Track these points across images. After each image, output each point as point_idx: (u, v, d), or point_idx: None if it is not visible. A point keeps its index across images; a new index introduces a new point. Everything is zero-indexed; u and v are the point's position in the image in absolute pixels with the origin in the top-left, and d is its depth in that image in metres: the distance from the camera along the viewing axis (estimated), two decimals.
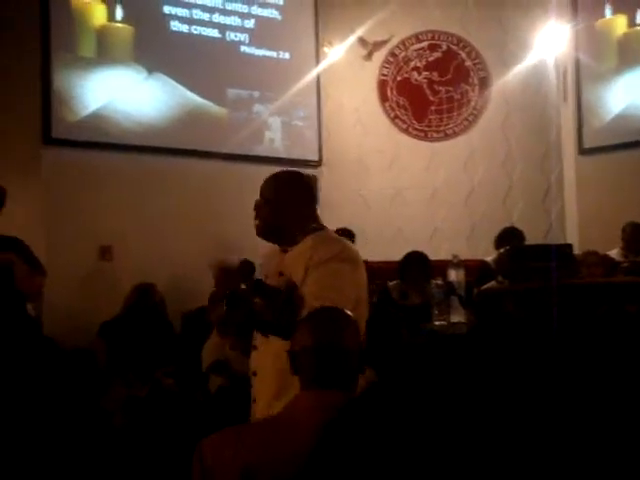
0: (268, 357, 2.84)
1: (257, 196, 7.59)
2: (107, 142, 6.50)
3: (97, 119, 6.49)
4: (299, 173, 3.17)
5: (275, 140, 7.61)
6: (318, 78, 7.98)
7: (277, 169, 7.90)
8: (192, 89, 7.01)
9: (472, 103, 8.34)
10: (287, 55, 7.72)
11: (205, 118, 7.12)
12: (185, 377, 5.25)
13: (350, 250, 2.90)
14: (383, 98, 8.35)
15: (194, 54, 7.08)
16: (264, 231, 3.03)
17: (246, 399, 4.40)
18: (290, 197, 3.00)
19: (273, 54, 7.63)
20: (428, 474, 0.96)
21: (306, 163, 7.81)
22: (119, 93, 6.61)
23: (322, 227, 3.02)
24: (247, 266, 5.97)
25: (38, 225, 6.00)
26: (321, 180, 7.95)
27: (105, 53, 6.61)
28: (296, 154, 7.73)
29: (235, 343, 3.05)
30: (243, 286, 2.89)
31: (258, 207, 3.05)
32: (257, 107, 7.48)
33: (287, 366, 2.49)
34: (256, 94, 7.48)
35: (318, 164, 7.95)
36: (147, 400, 4.87)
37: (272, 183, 3.08)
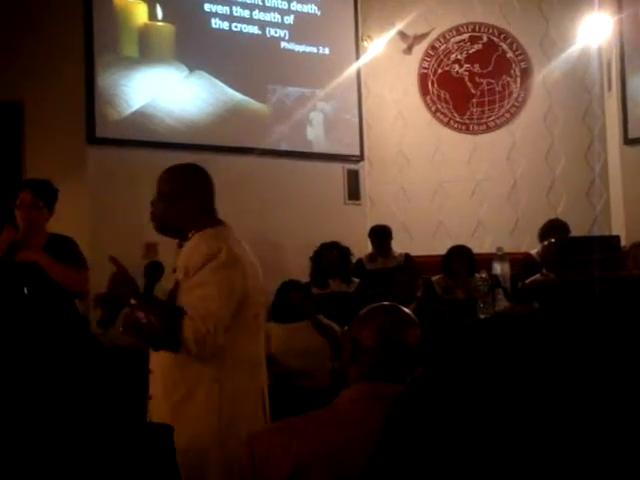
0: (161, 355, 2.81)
1: (299, 191, 7.63)
2: (150, 140, 6.56)
3: (140, 117, 6.55)
4: (194, 166, 3.04)
5: (316, 135, 7.61)
6: (358, 73, 7.97)
7: (318, 164, 7.98)
8: (233, 86, 7.05)
9: (514, 95, 8.27)
10: (327, 50, 7.72)
11: (246, 115, 7.15)
12: None
13: (228, 251, 2.80)
14: (424, 91, 8.32)
15: (234, 51, 7.11)
16: (159, 227, 2.97)
17: (292, 395, 4.43)
18: (182, 191, 2.91)
19: (313, 49, 7.63)
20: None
21: (347, 158, 7.81)
22: (161, 91, 6.66)
23: (218, 222, 2.96)
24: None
25: (83, 223, 6.07)
26: (362, 174, 7.95)
27: (147, 52, 6.67)
28: (337, 149, 7.74)
29: None
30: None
31: (153, 203, 2.95)
32: (298, 103, 7.48)
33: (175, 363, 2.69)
34: (296, 90, 7.49)
35: (359, 159, 7.94)
36: None
37: (165, 178, 2.97)
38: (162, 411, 2.80)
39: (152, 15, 6.69)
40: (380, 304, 2.35)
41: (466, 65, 8.31)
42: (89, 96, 6.30)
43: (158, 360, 2.84)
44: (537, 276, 5.36)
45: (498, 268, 5.10)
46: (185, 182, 2.95)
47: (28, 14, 6.34)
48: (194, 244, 2.85)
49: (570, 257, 4.80)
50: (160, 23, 6.73)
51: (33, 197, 4.30)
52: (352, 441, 2.00)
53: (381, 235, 6.76)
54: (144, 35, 6.65)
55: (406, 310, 2.30)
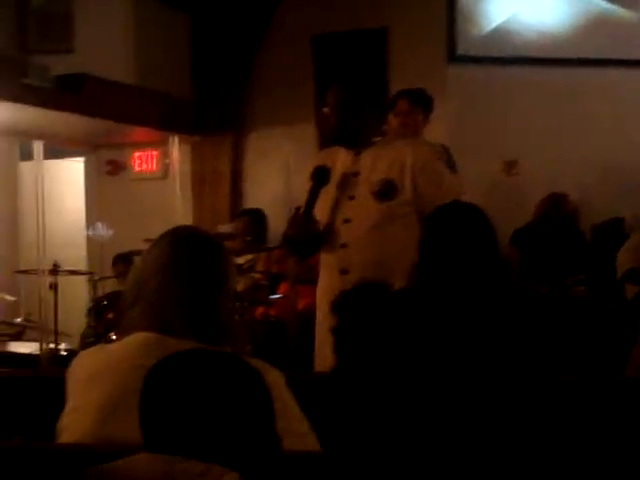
0: (362, 229, 3.00)
1: None
2: (511, 56, 6.46)
3: (500, 33, 6.48)
4: None
5: None
6: None
7: None
8: None
9: None
10: None
11: (612, 24, 6.73)
12: (598, 286, 5.15)
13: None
14: None
15: None
16: (345, 129, 3.10)
17: None
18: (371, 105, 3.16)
19: None
20: None
21: None
22: (522, 5, 6.52)
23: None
24: None
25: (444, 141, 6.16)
26: None
27: None
28: None
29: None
30: None
31: (342, 105, 3.11)
32: None
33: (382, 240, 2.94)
34: None
35: None
36: (556, 304, 4.85)
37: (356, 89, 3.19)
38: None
39: None
40: None
41: None
42: (450, 15, 6.34)
43: (354, 233, 3.02)
44: None
45: None
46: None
47: None
48: (398, 149, 3.10)
49: None
50: None
51: (410, 104, 4.38)
52: None
53: None
54: None
55: None
